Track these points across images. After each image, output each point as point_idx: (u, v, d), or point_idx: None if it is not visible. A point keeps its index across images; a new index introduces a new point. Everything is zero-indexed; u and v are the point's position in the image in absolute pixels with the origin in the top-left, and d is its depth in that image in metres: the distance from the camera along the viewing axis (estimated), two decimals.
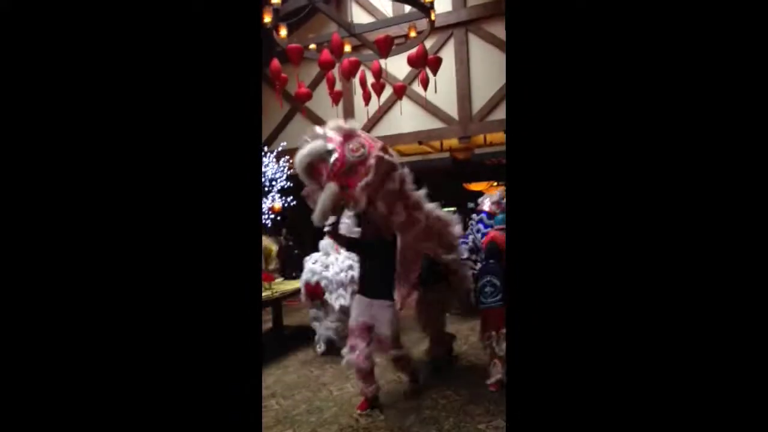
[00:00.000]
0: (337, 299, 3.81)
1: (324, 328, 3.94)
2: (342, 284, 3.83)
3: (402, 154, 8.20)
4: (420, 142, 7.27)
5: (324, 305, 3.93)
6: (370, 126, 7.50)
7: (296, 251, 5.14)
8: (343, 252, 3.87)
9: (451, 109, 6.95)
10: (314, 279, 3.91)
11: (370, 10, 7.23)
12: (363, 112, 6.75)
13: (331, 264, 3.93)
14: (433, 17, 4.33)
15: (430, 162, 8.18)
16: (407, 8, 4.92)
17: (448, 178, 5.99)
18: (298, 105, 6.90)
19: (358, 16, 6.99)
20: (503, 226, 3.21)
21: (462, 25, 6.80)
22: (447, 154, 7.90)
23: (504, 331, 2.75)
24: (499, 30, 6.10)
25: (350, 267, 3.83)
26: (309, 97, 4.97)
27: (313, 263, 4.02)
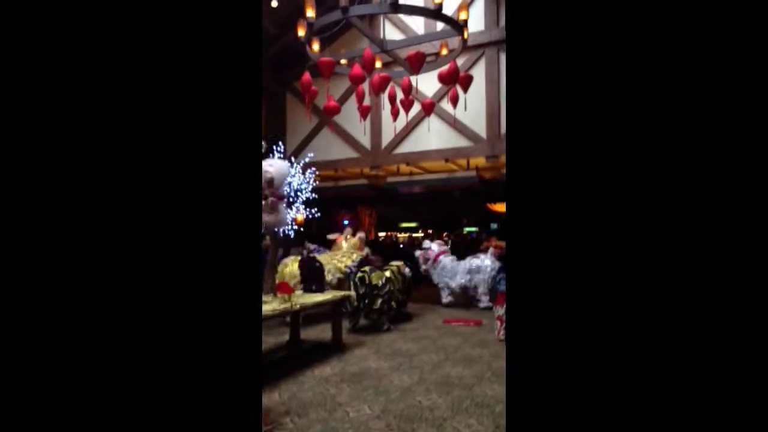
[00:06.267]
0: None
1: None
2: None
3: (427, 171, 8.14)
4: (446, 160, 7.21)
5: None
6: (396, 142, 7.50)
7: (318, 264, 5.09)
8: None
9: (480, 127, 6.88)
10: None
11: (402, 27, 7.29)
12: (390, 127, 6.75)
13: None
14: (465, 35, 4.31)
15: (455, 180, 8.10)
16: (440, 26, 4.91)
17: (473, 197, 5.90)
18: (326, 118, 6.96)
19: (391, 33, 7.05)
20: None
21: (494, 45, 6.77)
22: (474, 173, 7.81)
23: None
24: None
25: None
26: (337, 111, 4.98)
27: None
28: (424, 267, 6.97)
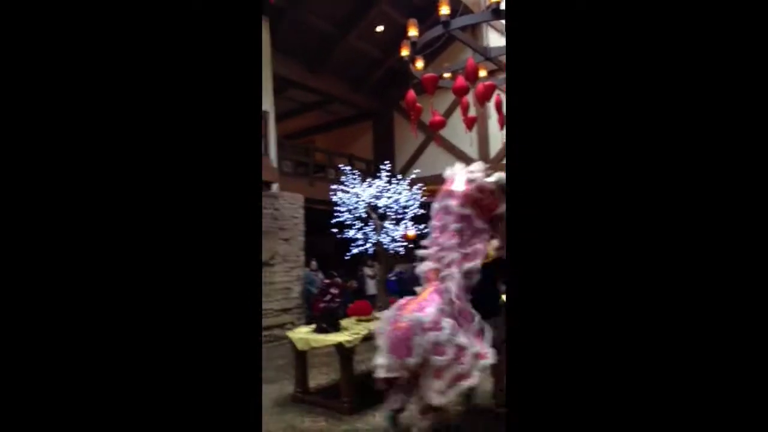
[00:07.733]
0: None
1: None
2: None
3: None
4: None
5: None
6: (506, 151, 7.21)
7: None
8: None
9: None
10: None
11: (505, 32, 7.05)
12: (498, 136, 6.51)
13: None
14: None
15: None
16: None
17: None
18: (432, 133, 6.99)
19: (494, 40, 6.87)
20: None
21: None
22: None
23: None
24: None
25: None
26: (443, 125, 4.97)
27: None
28: None
